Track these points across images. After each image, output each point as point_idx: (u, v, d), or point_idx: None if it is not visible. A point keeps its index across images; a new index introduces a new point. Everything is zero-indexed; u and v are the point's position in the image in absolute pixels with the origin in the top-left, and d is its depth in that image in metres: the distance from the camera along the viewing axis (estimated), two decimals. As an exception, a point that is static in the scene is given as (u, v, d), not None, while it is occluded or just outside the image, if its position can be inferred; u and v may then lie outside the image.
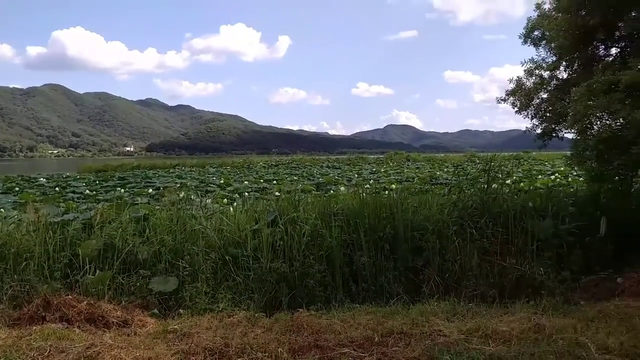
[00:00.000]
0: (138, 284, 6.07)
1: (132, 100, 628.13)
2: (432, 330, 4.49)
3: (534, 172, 23.42)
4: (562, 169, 24.10)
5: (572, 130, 7.30)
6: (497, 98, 8.98)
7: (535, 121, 8.52)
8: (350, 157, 68.77)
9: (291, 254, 6.74)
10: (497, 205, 7.49)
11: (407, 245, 7.01)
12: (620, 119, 6.10)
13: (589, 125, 6.80)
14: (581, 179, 16.77)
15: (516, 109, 8.67)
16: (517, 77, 8.80)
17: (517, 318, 4.67)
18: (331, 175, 30.39)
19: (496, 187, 8.20)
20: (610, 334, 3.95)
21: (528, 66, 8.69)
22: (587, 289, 6.22)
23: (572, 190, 9.15)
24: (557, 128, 8.30)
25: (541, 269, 6.59)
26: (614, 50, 7.88)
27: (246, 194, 13.61)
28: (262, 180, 24.38)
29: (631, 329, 4.08)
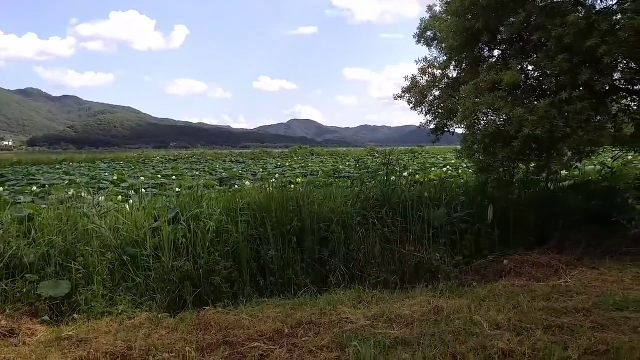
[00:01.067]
0: (25, 290, 5.55)
1: (9, 90, 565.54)
2: (340, 318, 4.63)
3: (428, 165, 24.96)
4: (453, 161, 25.96)
5: (462, 126, 7.87)
6: (394, 95, 9.40)
7: (429, 117, 9.05)
8: (255, 152, 68.13)
9: (195, 252, 6.56)
10: (396, 196, 7.89)
11: (314, 237, 7.15)
12: (503, 115, 6.70)
13: (476, 121, 7.39)
14: (470, 170, 18.29)
15: (412, 105, 9.14)
16: (412, 75, 9.28)
17: (418, 302, 4.97)
18: (235, 169, 29.91)
19: (395, 179, 8.65)
20: (499, 311, 4.35)
21: (422, 65, 9.21)
22: (479, 272, 6.79)
23: (462, 181, 9.90)
24: (448, 124, 8.90)
25: (437, 254, 7.09)
26: (496, 52, 8.62)
27: (143, 190, 12.90)
28: (160, 176, 23.25)
29: (517, 306, 4.54)
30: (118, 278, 6.09)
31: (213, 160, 49.16)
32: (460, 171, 17.69)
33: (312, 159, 48.78)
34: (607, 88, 7.14)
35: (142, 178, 21.28)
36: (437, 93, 8.91)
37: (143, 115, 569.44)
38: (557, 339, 3.67)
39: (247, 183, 15.82)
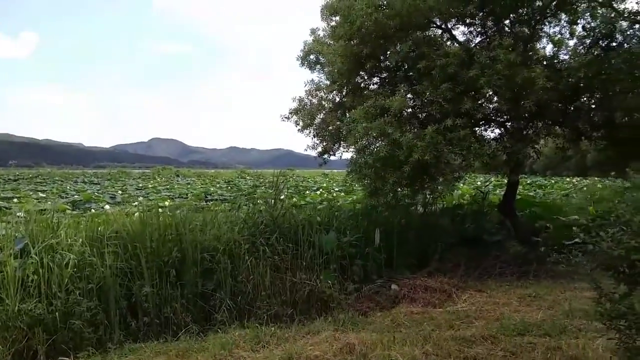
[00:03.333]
0: None
1: None
2: (240, 365, 4.01)
3: (301, 188, 25.13)
4: (324, 185, 26.53)
5: (352, 149, 7.83)
6: (281, 116, 9.13)
7: (316, 140, 8.90)
8: (112, 172, 62.61)
9: (50, 291, 5.47)
10: (286, 221, 7.48)
11: (196, 268, 6.41)
12: (394, 140, 6.75)
13: (367, 145, 7.38)
14: (342, 193, 18.71)
15: (299, 127, 8.94)
16: (299, 96, 9.11)
17: (323, 338, 4.55)
18: (90, 191, 26.86)
19: (282, 203, 8.25)
20: (413, 345, 4.14)
21: (309, 87, 9.08)
22: (371, 298, 6.63)
23: (351, 204, 9.90)
24: (334, 147, 8.83)
25: (329, 281, 6.80)
26: (380, 78, 8.82)
27: (-27, 216, 10.65)
28: (-5, 198, 19.83)
29: (427, 337, 4.38)
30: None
31: (62, 181, 43.88)
32: (334, 194, 17.97)
33: (177, 181, 46.27)
34: (482, 117, 7.64)
35: (-29, 201, 17.87)
36: (323, 116, 8.80)
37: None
38: (479, 372, 3.54)
39: (107, 207, 14.19)
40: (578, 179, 25.87)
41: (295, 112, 8.95)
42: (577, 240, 9.66)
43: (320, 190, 21.65)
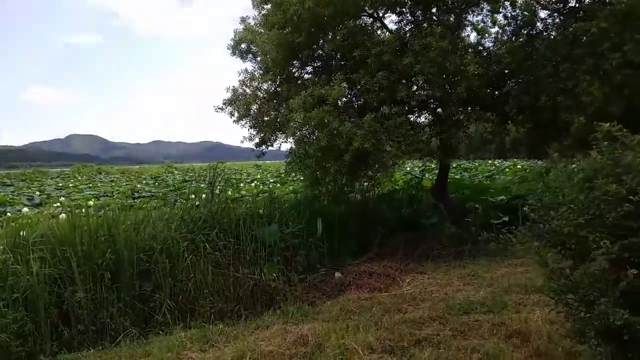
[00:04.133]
0: None
1: None
2: (191, 369, 3.84)
3: (235, 181, 24.63)
4: (258, 176, 26.18)
5: (291, 140, 7.75)
6: (214, 107, 8.82)
7: (252, 131, 8.70)
8: (26, 172, 58.00)
9: (-33, 304, 4.94)
10: (226, 215, 7.28)
11: (132, 270, 6.10)
12: (333, 130, 6.74)
13: (307, 135, 7.32)
14: (278, 185, 18.54)
15: (234, 118, 8.69)
16: (233, 87, 8.85)
17: (274, 332, 4.47)
18: (2, 193, 24.71)
19: (220, 196, 8.01)
20: (366, 331, 4.15)
21: (244, 77, 8.85)
22: (317, 287, 6.64)
23: (292, 195, 9.81)
24: (272, 138, 8.68)
25: (273, 274, 6.73)
26: (317, 65, 8.76)
27: None
28: None
29: (378, 323, 4.42)
30: None
31: (-32, 183, 40.01)
32: (270, 186, 17.78)
33: (100, 178, 43.69)
34: (416, 104, 7.83)
35: None
36: (259, 106, 8.62)
37: None
38: (433, 354, 3.62)
39: (25, 210, 13.09)
40: (499, 161, 27.41)
41: (229, 102, 8.69)
42: (504, 219, 10.27)
43: (255, 182, 21.32)
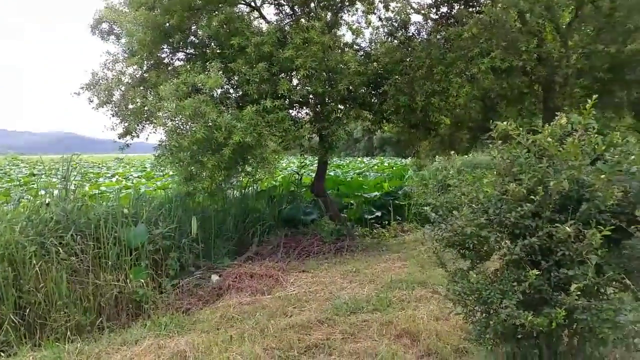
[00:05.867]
0: None
1: None
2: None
3: (93, 175, 22.34)
4: (120, 171, 24.11)
5: (161, 130, 7.03)
6: (71, 93, 7.70)
7: (115, 120, 7.78)
8: None
9: None
10: (83, 214, 6.37)
11: (-39, 282, 4.99)
12: (211, 121, 6.24)
13: (180, 126, 6.68)
14: (143, 180, 17.16)
15: (94, 105, 7.68)
16: (93, 70, 7.83)
17: (145, 348, 3.91)
18: None
19: (75, 193, 7.02)
20: (252, 340, 3.82)
21: (106, 59, 7.87)
22: (192, 292, 6.12)
23: (161, 192, 8.97)
24: (138, 128, 7.85)
25: (141, 280, 6.07)
26: (190, 51, 8.12)
27: None
28: None
29: (264, 330, 4.11)
30: None
31: None
32: (134, 181, 16.38)
33: None
34: (297, 99, 7.65)
35: None
36: (123, 92, 7.72)
37: None
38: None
39: None
40: (367, 158, 28.81)
41: (88, 87, 7.65)
42: (377, 214, 10.65)
43: (117, 177, 19.53)
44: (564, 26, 7.38)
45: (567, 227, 2.22)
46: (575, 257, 2.25)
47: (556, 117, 2.54)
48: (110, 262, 6.09)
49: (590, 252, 2.21)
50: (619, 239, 2.31)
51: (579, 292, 2.17)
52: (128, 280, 6.04)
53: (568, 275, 2.25)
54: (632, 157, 2.45)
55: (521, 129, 2.52)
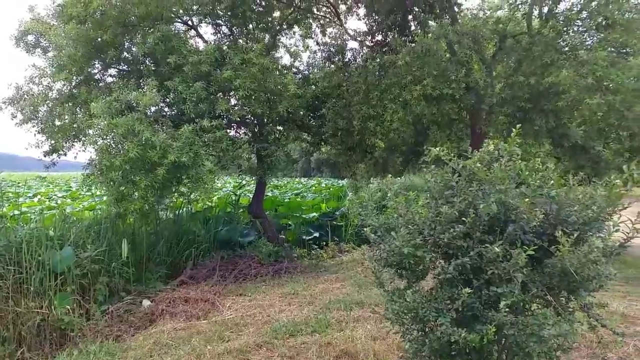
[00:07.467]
0: None
1: None
2: None
3: (12, 195, 20.78)
4: (43, 190, 22.66)
5: (91, 149, 6.70)
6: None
7: (40, 137, 7.35)
8: None
9: None
10: (3, 237, 5.92)
11: None
12: (145, 140, 6.03)
13: (112, 145, 6.40)
14: (69, 200, 16.18)
15: (17, 121, 7.23)
16: (17, 84, 7.39)
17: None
18: None
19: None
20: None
21: (32, 73, 7.46)
22: (123, 318, 5.82)
23: (89, 212, 8.48)
24: (66, 145, 7.46)
25: (67, 306, 5.71)
26: (123, 67, 7.88)
27: None
28: None
29: (201, 356, 3.97)
30: None
31: None
32: (60, 202, 15.42)
33: None
34: (236, 119, 7.61)
35: None
36: (50, 108, 7.34)
37: None
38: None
39: None
40: (305, 179, 28.94)
41: (11, 102, 7.20)
42: (315, 235, 10.70)
43: (39, 196, 18.29)
44: (489, 57, 7.93)
45: (495, 248, 2.36)
46: (504, 275, 2.39)
47: (484, 144, 2.72)
48: (32, 288, 5.68)
49: (516, 271, 2.36)
50: (541, 258, 2.48)
51: (507, 309, 2.31)
52: (52, 307, 5.66)
53: (497, 292, 2.39)
54: (552, 181, 2.67)
55: (452, 154, 2.67)
